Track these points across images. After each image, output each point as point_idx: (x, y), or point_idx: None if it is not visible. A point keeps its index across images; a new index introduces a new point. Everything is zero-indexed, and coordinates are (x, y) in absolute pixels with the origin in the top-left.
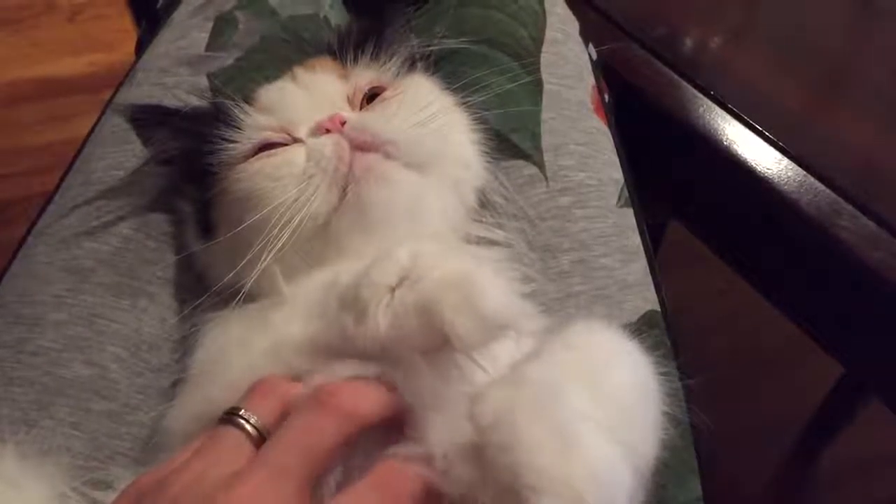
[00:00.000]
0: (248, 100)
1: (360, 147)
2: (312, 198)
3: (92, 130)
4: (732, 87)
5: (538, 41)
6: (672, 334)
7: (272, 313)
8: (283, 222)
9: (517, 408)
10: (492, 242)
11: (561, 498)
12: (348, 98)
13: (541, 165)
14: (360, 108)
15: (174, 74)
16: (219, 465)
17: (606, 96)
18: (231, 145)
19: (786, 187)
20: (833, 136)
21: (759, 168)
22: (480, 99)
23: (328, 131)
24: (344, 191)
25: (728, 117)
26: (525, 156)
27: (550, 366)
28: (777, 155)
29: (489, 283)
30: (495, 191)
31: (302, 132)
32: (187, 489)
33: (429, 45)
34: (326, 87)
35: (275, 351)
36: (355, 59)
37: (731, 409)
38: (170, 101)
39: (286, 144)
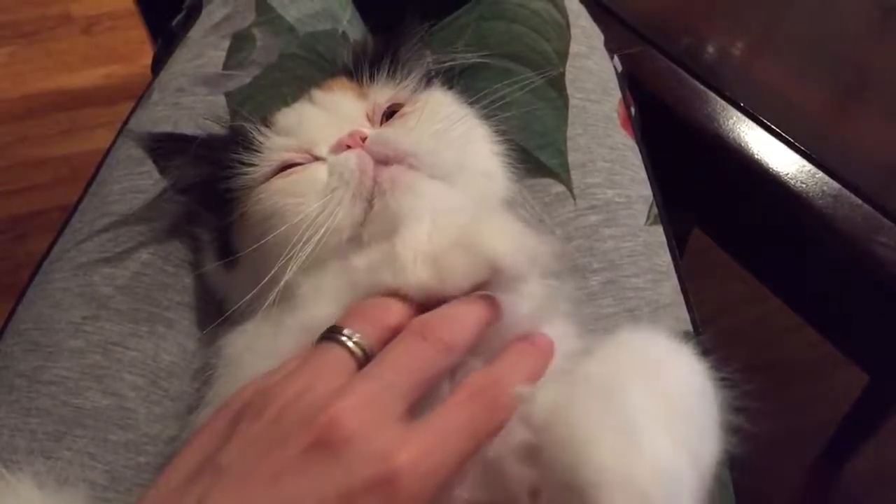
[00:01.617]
0: (266, 122)
1: (382, 161)
2: (336, 211)
3: (108, 153)
4: (758, 96)
5: (563, 55)
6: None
7: (295, 306)
8: (306, 236)
9: (574, 404)
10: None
11: (625, 494)
12: (367, 116)
13: (568, 183)
14: (380, 125)
15: (191, 93)
16: (323, 379)
17: (633, 109)
18: (250, 169)
19: (821, 202)
20: (860, 144)
21: (792, 182)
22: (505, 115)
23: (349, 148)
24: (370, 203)
25: (758, 129)
26: (552, 174)
27: (606, 363)
28: (811, 168)
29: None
30: (521, 205)
31: (323, 151)
32: (293, 402)
33: (449, 61)
34: (345, 106)
35: (305, 329)
36: (372, 78)
37: (757, 418)
38: (186, 124)
39: (307, 163)
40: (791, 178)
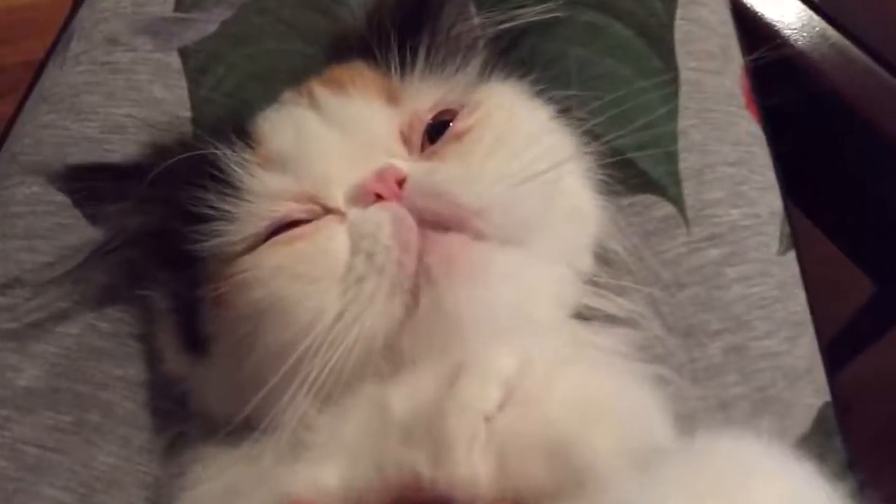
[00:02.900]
0: (247, 137)
1: (432, 223)
2: (365, 312)
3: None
4: None
5: (670, 4)
6: (844, 435)
7: (294, 457)
8: (322, 351)
9: None
10: (611, 318)
11: None
12: (402, 134)
13: (678, 201)
14: (423, 149)
15: (128, 47)
16: None
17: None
18: (228, 227)
19: None
20: None
21: None
22: (590, 98)
23: (379, 198)
24: (414, 296)
25: None
26: (656, 188)
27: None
28: None
29: (636, 402)
30: (613, 237)
31: (338, 198)
32: None
33: (507, 20)
34: (369, 120)
35: (304, 491)
36: (405, 66)
37: None
38: (123, 100)
39: (315, 220)
40: None
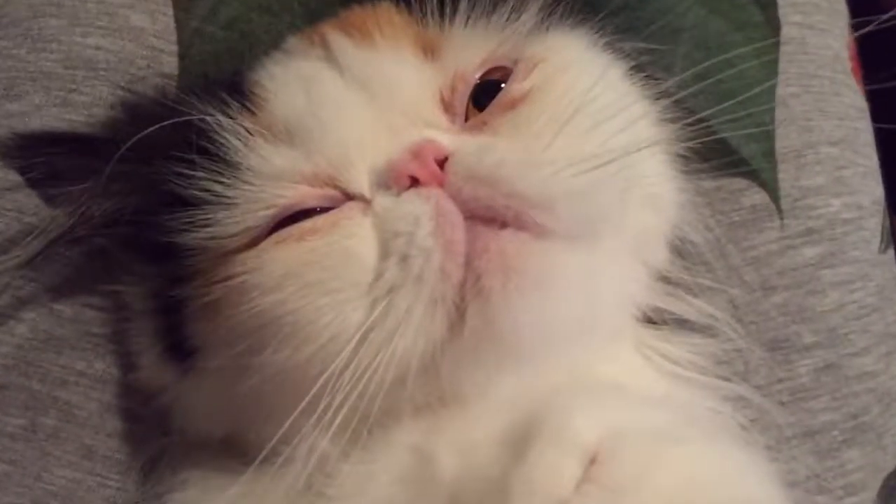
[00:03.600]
0: (248, 95)
1: (483, 217)
2: (398, 332)
3: None
4: None
5: None
6: None
7: (319, 492)
8: (345, 379)
9: None
10: (685, 324)
11: None
12: (442, 99)
13: (772, 188)
14: (467, 119)
15: None
16: None
17: None
18: (222, 213)
19: None
20: None
21: None
22: (675, 57)
23: (415, 182)
24: (459, 311)
25: None
26: (747, 170)
27: None
28: None
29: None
30: (693, 226)
31: (362, 182)
32: None
33: None
34: (401, 79)
35: None
36: (444, 9)
37: None
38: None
39: (334, 211)
40: None
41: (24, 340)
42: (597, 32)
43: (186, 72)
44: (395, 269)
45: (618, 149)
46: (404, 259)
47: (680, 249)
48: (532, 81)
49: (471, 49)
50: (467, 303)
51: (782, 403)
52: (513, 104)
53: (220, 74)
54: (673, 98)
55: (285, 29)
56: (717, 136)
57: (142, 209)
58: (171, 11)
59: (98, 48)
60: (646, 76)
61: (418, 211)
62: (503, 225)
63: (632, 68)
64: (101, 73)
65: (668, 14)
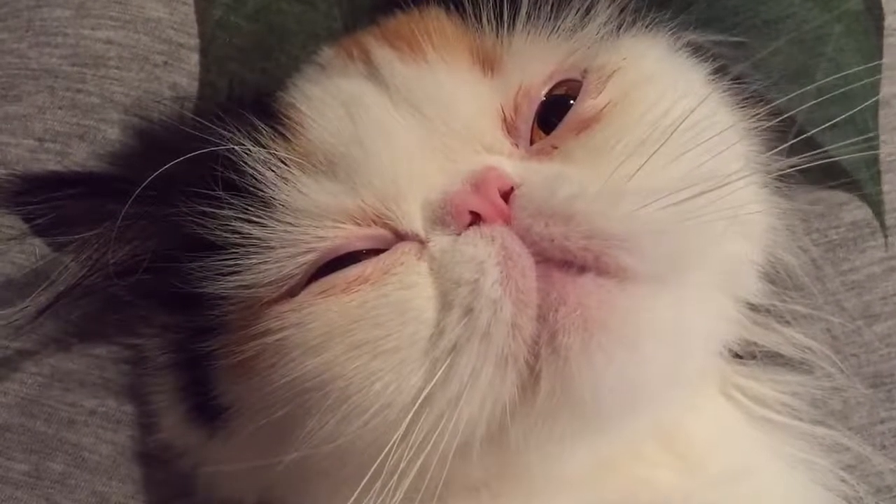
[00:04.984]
0: (282, 120)
1: (559, 260)
2: (464, 397)
3: None
4: None
5: None
6: None
7: None
8: (402, 450)
9: None
10: (777, 358)
11: None
12: (504, 118)
13: (875, 201)
14: (533, 142)
15: None
16: None
17: None
18: (255, 258)
19: None
20: None
21: None
22: (766, 52)
23: (477, 219)
24: (532, 370)
25: None
26: (847, 182)
27: None
28: None
29: None
30: (786, 247)
31: (415, 218)
32: None
33: None
34: (457, 98)
35: None
36: (502, 15)
37: None
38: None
39: (382, 250)
40: None
41: (28, 376)
42: (675, 28)
43: (208, 69)
44: (457, 325)
45: (709, 177)
46: (468, 312)
47: (771, 274)
48: (607, 97)
49: (535, 61)
50: (541, 362)
51: (884, 447)
52: (586, 124)
53: (246, 90)
54: (763, 101)
55: (321, 20)
56: (813, 143)
57: (162, 255)
58: (190, 0)
59: (109, 42)
60: (731, 77)
61: (482, 255)
62: (581, 269)
63: (715, 70)
64: (113, 70)
65: (758, 4)
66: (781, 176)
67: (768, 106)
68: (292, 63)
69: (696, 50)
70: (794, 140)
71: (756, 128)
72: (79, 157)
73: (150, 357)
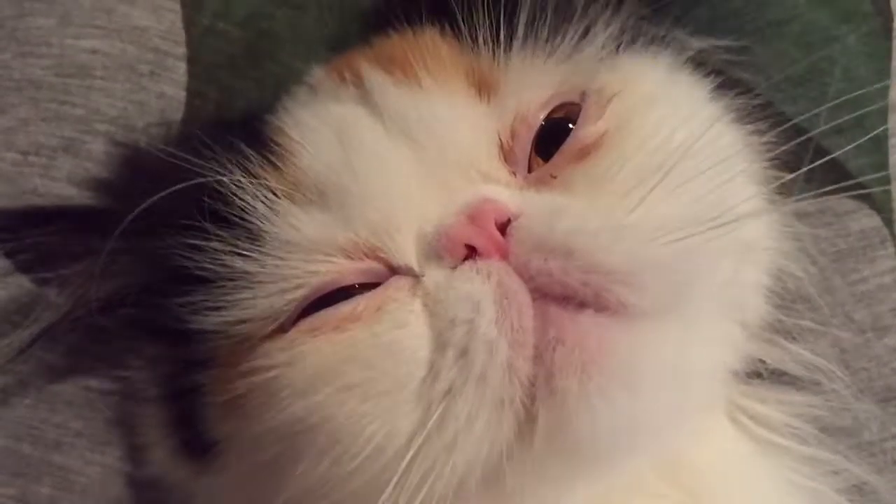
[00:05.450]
0: (265, 144)
1: (557, 295)
2: (459, 442)
3: None
4: None
5: None
6: None
7: None
8: (395, 495)
9: None
10: (783, 377)
11: None
12: (501, 145)
13: (884, 208)
14: (530, 168)
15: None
16: None
17: None
18: (243, 293)
19: None
20: None
21: None
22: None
23: (472, 252)
24: (528, 412)
25: None
26: (855, 188)
27: None
28: None
29: None
30: (792, 258)
31: (408, 251)
32: None
33: None
34: (452, 124)
35: None
36: (498, 35)
37: None
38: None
39: (375, 285)
40: None
41: (14, 398)
42: (676, 37)
43: (196, 78)
44: (453, 367)
45: (715, 207)
46: (464, 354)
47: (777, 287)
48: (607, 122)
49: (533, 84)
50: (538, 404)
51: (885, 466)
52: (585, 152)
53: (234, 106)
54: (769, 111)
55: (312, 25)
56: (821, 149)
57: (147, 289)
58: (178, 7)
59: (94, 52)
60: (736, 88)
61: (478, 293)
62: (580, 305)
63: (719, 85)
64: (98, 80)
65: (763, 5)
66: (787, 184)
67: (775, 116)
68: (283, 70)
69: (699, 63)
70: (812, 158)
71: (762, 141)
72: (64, 170)
73: (138, 390)
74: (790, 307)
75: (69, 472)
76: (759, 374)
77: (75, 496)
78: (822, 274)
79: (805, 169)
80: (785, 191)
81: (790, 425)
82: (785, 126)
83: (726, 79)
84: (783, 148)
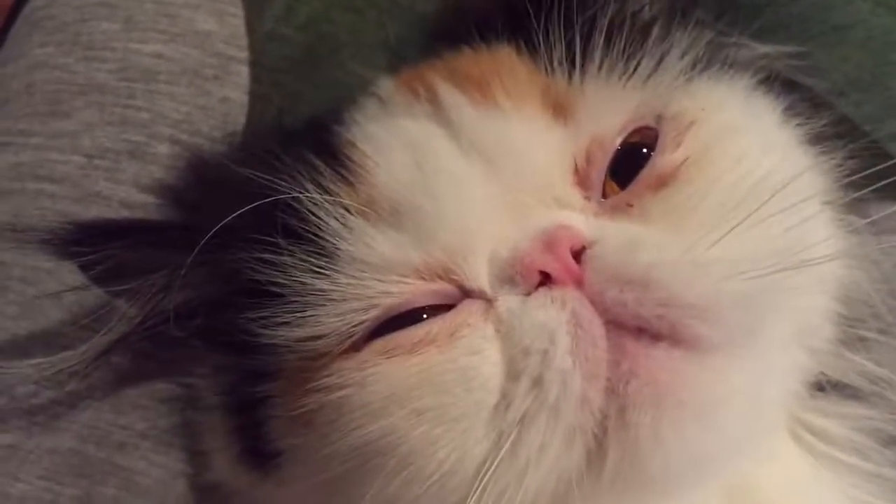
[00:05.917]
0: (331, 139)
1: (632, 327)
2: (530, 468)
3: None
4: None
5: None
6: None
7: None
8: None
9: None
10: (845, 390)
11: None
12: (576, 169)
13: None
14: (605, 194)
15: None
16: None
17: None
18: (315, 310)
19: None
20: None
21: None
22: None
23: (546, 278)
24: (599, 442)
25: None
26: None
27: None
28: None
29: None
30: (857, 265)
31: (481, 274)
32: None
33: None
34: (530, 147)
35: None
36: (573, 56)
37: None
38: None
39: (449, 306)
40: None
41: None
42: (751, 72)
43: (259, 82)
44: (526, 396)
45: (795, 244)
46: (538, 384)
47: (840, 296)
48: (685, 151)
49: (609, 108)
50: (609, 435)
51: None
52: (663, 181)
53: (298, 122)
54: (833, 115)
55: (371, 29)
56: (884, 153)
57: (218, 302)
58: (240, 12)
59: (158, 56)
60: (801, 90)
61: (553, 322)
62: (655, 338)
63: (788, 106)
64: (162, 84)
65: (826, 10)
66: (852, 193)
67: (845, 134)
68: (344, 74)
69: (764, 70)
70: (876, 163)
71: (832, 159)
72: (129, 173)
73: (203, 398)
74: (853, 317)
75: (133, 474)
76: (822, 387)
77: (138, 498)
78: (886, 281)
79: (878, 185)
80: (854, 210)
81: (852, 440)
82: (857, 143)
83: (791, 84)
84: (854, 166)
